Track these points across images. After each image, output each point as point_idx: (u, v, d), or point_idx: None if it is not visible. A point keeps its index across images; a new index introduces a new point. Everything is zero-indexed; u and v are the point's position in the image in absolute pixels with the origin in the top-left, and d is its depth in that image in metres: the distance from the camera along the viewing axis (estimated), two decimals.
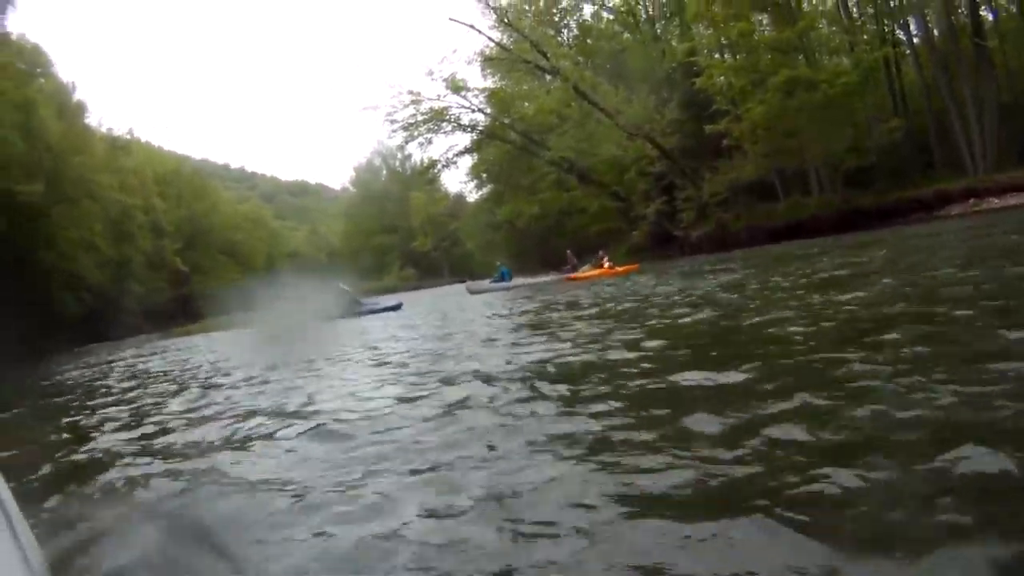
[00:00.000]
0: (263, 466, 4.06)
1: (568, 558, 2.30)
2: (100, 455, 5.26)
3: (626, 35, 56.08)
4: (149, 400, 8.74)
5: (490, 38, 51.64)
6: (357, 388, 6.65)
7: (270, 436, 4.89)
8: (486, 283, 33.60)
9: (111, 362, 20.74)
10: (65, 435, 6.76)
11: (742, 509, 2.41)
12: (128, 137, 76.91)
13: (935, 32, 39.93)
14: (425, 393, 5.64)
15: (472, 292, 31.72)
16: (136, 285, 63.44)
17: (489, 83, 56.30)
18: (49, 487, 4.24)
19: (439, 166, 58.73)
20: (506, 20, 50.66)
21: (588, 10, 59.25)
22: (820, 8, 42.14)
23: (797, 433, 3.12)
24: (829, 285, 9.74)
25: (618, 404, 4.21)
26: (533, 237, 59.29)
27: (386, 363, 8.55)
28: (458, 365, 7.18)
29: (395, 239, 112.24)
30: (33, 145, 49.53)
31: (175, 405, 7.52)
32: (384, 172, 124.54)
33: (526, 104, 54.13)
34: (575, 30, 59.93)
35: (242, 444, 4.83)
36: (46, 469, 4.88)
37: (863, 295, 7.66)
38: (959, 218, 28.07)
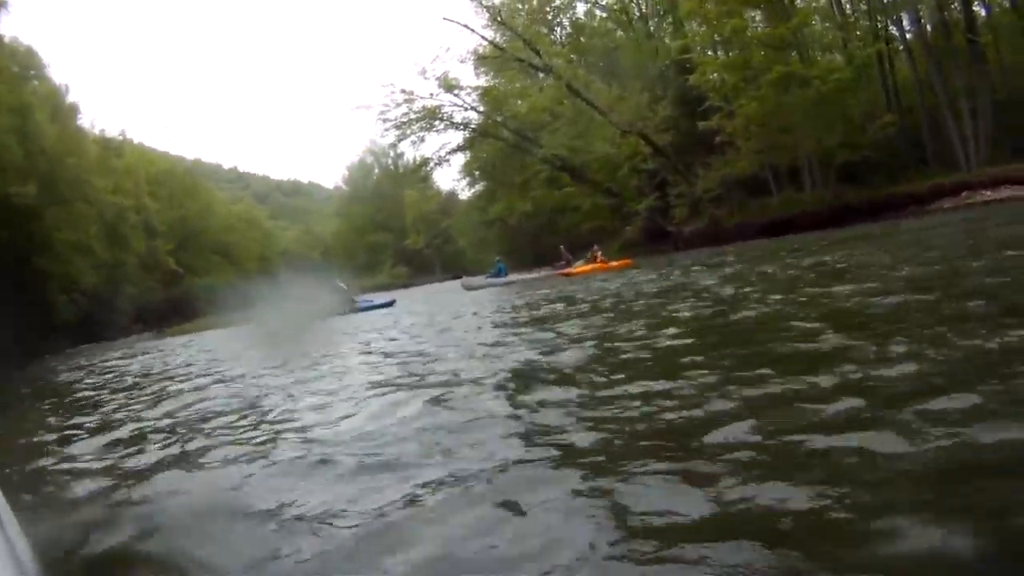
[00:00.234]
0: (256, 470, 3.98)
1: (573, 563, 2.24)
2: (90, 455, 5.25)
3: (619, 33, 56.15)
4: (147, 400, 8.67)
5: (483, 37, 51.74)
6: (366, 386, 6.61)
7: (268, 440, 4.82)
8: (483, 279, 33.79)
9: (106, 362, 20.77)
10: (49, 437, 6.75)
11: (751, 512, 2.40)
12: (121, 138, 76.90)
13: (928, 28, 39.91)
14: (435, 390, 5.59)
15: (468, 288, 31.79)
16: (129, 286, 63.39)
17: (482, 81, 56.39)
18: (35, 489, 4.27)
19: (431, 164, 58.87)
20: (499, 19, 50.70)
21: (581, 8, 59.43)
22: (813, 4, 42.09)
23: (815, 435, 3.02)
24: (827, 278, 9.81)
25: (633, 401, 4.14)
26: (526, 234, 59.37)
27: (400, 360, 8.43)
28: (474, 362, 7.07)
29: (387, 237, 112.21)
30: (28, 148, 49.46)
31: (180, 406, 7.39)
32: (376, 170, 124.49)
33: (519, 102, 54.20)
34: (568, 28, 59.97)
35: (237, 445, 4.78)
36: (32, 471, 4.87)
37: (862, 287, 7.68)
38: (952, 211, 28.16)
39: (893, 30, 42.17)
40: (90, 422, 7.33)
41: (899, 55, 42.24)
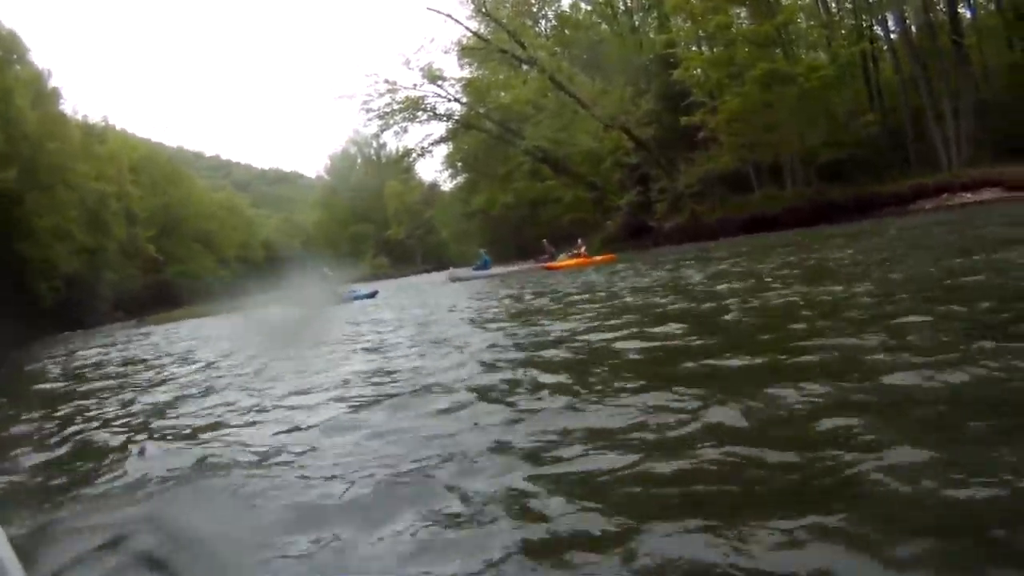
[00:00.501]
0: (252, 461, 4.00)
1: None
2: (73, 451, 5.21)
3: (604, 26, 56.22)
4: (147, 393, 8.49)
5: (467, 28, 51.63)
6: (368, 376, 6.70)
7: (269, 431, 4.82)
8: (468, 271, 34.06)
9: (103, 347, 20.54)
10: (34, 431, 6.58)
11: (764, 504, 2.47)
12: (103, 124, 76.23)
13: (913, 28, 40.20)
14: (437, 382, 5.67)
15: (454, 280, 31.98)
16: (110, 273, 62.94)
17: (466, 72, 56.33)
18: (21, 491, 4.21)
19: (414, 155, 58.71)
20: (484, 10, 50.67)
21: (566, 0, 59.39)
22: (799, 2, 42.29)
23: (822, 420, 3.13)
24: (812, 275, 9.97)
25: (631, 395, 4.22)
26: (507, 226, 59.55)
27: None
28: (468, 355, 7.10)
29: (369, 228, 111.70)
30: (9, 133, 49.00)
31: (182, 398, 7.35)
32: (359, 161, 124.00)
33: (502, 94, 54.11)
34: (553, 20, 59.92)
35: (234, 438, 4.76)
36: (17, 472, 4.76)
37: (848, 284, 7.85)
38: (932, 212, 28.42)
39: (878, 30, 42.51)
40: (72, 416, 7.18)
41: (883, 55, 42.53)
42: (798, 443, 2.95)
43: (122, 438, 5.33)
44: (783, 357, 4.60)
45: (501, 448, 3.57)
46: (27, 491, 4.13)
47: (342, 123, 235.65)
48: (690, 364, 4.88)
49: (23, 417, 7.65)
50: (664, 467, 2.92)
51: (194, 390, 7.64)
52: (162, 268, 75.48)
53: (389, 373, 6.58)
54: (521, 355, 6.58)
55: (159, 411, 6.56)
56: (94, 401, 8.10)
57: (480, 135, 55.51)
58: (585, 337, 7.00)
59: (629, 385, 4.51)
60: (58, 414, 7.44)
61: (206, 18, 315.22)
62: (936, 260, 9.25)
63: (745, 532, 2.25)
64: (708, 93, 41.19)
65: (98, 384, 10.17)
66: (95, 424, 6.32)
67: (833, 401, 3.41)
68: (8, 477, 4.63)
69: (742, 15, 43.26)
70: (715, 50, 43.52)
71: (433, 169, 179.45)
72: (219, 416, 5.73)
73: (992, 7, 40.91)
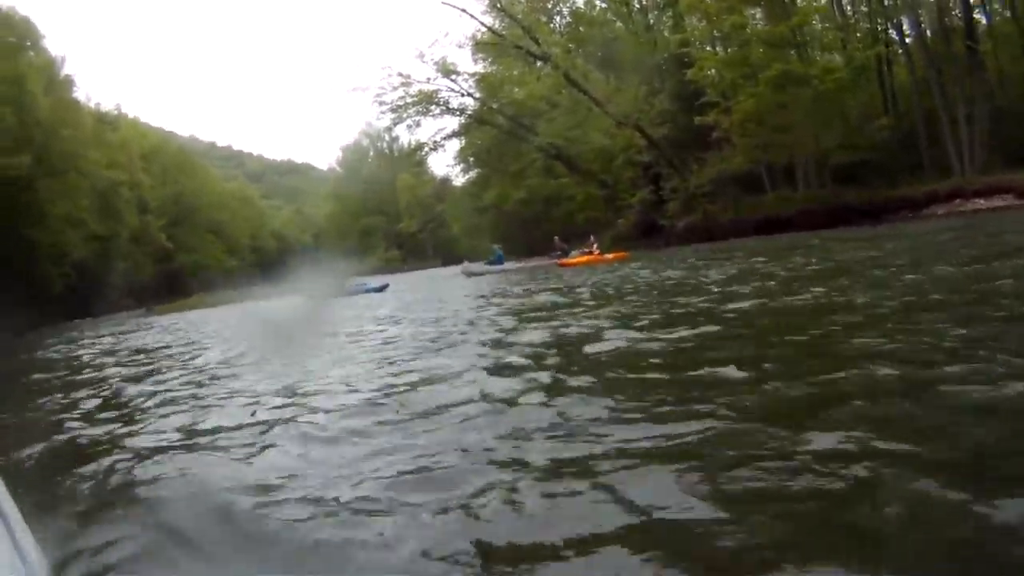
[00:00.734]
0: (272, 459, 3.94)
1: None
2: (92, 444, 5.08)
3: (618, 24, 56.03)
4: (148, 386, 8.29)
5: (482, 23, 51.62)
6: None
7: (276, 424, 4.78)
8: (482, 266, 34.32)
9: (116, 335, 20.58)
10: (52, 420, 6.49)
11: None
12: (116, 112, 76.56)
13: (928, 33, 40.05)
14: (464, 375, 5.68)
15: (468, 274, 32.22)
16: (121, 261, 63.19)
17: (480, 67, 56.19)
18: (39, 477, 4.20)
19: (426, 149, 58.59)
20: (499, 5, 50.52)
21: None
22: (814, 4, 42.17)
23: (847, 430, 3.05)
24: (828, 276, 9.98)
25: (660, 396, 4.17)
26: (518, 222, 59.43)
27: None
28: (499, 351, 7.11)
29: (381, 220, 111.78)
30: (22, 119, 49.27)
31: (189, 390, 7.30)
32: (371, 153, 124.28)
33: (516, 89, 53.99)
34: (567, 17, 59.76)
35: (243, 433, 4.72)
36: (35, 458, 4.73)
37: (861, 287, 7.89)
38: (944, 218, 28.38)
39: (893, 33, 42.36)
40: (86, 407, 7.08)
41: (898, 58, 42.40)
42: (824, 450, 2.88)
43: (108, 433, 5.34)
44: (814, 362, 4.59)
45: (512, 447, 3.55)
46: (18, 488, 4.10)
47: (355, 115, 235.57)
48: (709, 368, 4.77)
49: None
50: (680, 468, 2.87)
51: (180, 384, 7.69)
52: (173, 257, 75.65)
53: (396, 371, 6.53)
54: (547, 352, 6.55)
55: (151, 403, 6.58)
56: (83, 393, 8.08)
57: (493, 130, 55.42)
58: (606, 335, 6.95)
59: (649, 388, 4.47)
60: (45, 406, 7.50)
61: (221, 7, 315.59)
62: (960, 265, 9.20)
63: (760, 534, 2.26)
64: (722, 93, 41.07)
65: (102, 373, 10.24)
66: (77, 416, 6.34)
67: (867, 411, 3.32)
68: None
69: (757, 16, 43.20)
70: (729, 50, 43.45)
71: (445, 163, 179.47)
72: (207, 411, 5.70)
73: (1008, 14, 40.69)
